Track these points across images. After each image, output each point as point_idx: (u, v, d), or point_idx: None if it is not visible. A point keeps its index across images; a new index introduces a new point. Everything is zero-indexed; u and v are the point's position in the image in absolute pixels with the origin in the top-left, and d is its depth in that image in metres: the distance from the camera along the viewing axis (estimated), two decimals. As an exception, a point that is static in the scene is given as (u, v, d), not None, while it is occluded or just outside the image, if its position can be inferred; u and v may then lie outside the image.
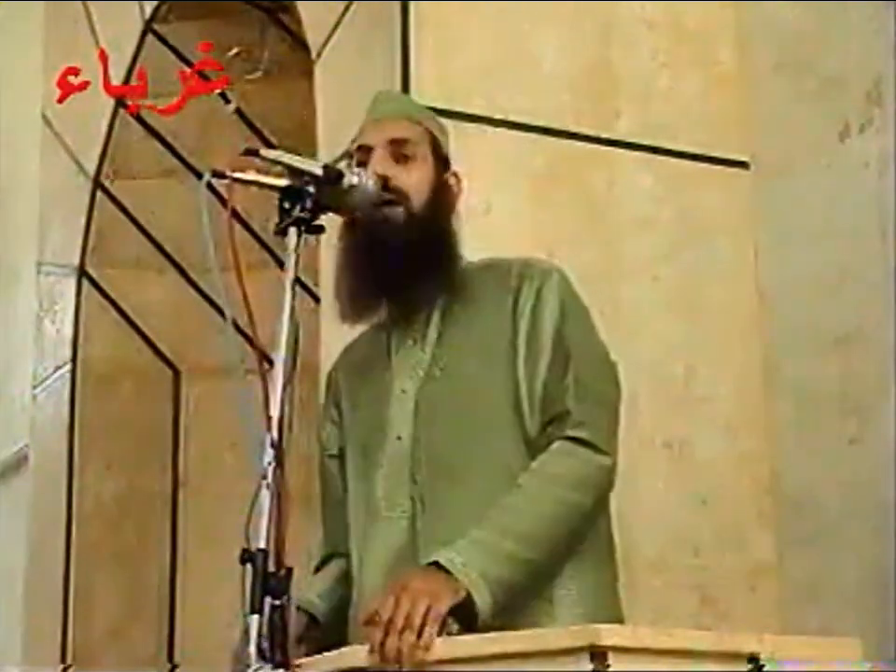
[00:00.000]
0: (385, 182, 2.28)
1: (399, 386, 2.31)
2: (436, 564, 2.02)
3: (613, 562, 2.29)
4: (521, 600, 2.09)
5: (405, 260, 2.28)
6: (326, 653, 2.04)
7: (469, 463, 2.21)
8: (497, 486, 2.17)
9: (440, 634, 1.93)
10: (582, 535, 2.19)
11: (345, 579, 2.35)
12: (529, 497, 2.14)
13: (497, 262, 2.39)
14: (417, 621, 1.92)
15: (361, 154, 2.34)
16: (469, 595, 1.99)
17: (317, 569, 2.45)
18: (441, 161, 2.38)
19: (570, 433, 2.18)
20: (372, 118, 2.40)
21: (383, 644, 1.90)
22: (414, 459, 2.24)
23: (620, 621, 2.21)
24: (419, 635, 1.90)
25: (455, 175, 2.41)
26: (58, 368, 5.11)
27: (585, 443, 2.17)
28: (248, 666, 1.86)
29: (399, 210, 2.29)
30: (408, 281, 2.30)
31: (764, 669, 1.82)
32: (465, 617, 1.99)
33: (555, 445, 2.18)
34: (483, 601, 2.00)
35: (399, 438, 2.27)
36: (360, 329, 2.49)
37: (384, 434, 2.29)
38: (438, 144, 2.39)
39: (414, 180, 2.32)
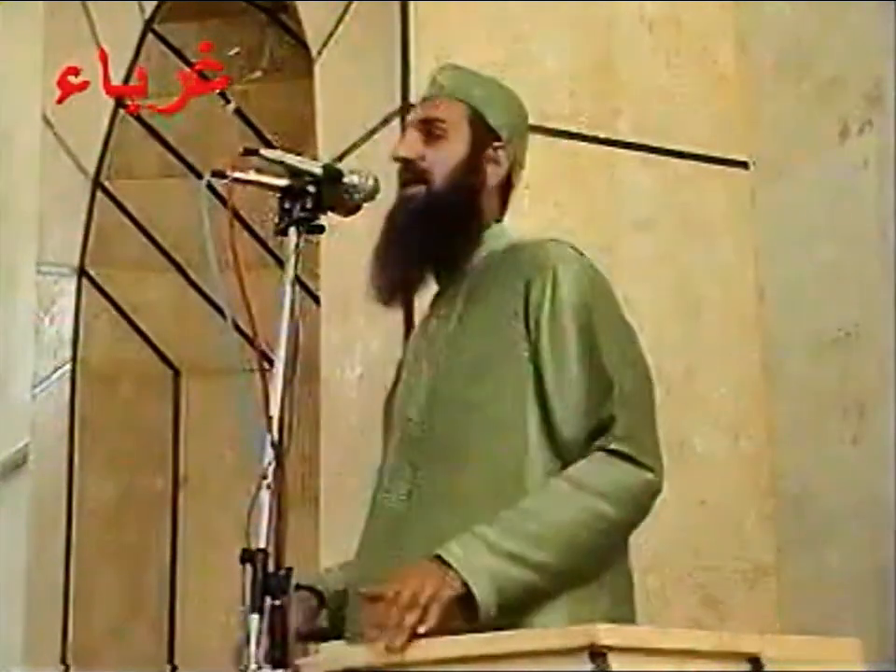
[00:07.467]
0: (404, 163, 2.30)
1: (420, 369, 2.31)
2: (438, 558, 2.02)
3: (625, 561, 2.24)
4: (534, 602, 2.07)
5: (422, 241, 2.28)
6: (325, 654, 2.04)
7: (465, 453, 2.19)
8: (491, 479, 2.15)
9: (441, 624, 1.93)
10: (618, 546, 2.16)
11: None
12: (552, 500, 2.11)
13: (521, 244, 2.35)
14: (422, 600, 1.93)
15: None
16: (468, 590, 1.99)
17: None
18: (482, 138, 2.34)
19: (614, 447, 2.12)
20: (423, 96, 2.42)
21: (384, 620, 1.91)
22: (419, 444, 2.24)
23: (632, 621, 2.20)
24: (422, 616, 1.91)
25: (503, 148, 2.36)
26: (58, 368, 5.11)
27: (629, 458, 2.12)
28: (248, 666, 1.86)
29: (421, 189, 2.30)
30: (425, 262, 2.31)
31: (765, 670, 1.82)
32: (468, 612, 1.99)
33: (595, 455, 2.12)
34: (482, 594, 1.99)
35: (409, 419, 2.27)
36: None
37: (403, 414, 2.30)
38: (480, 119, 2.35)
39: (440, 159, 2.31)
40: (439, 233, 2.29)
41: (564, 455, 2.16)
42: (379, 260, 2.34)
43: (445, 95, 2.38)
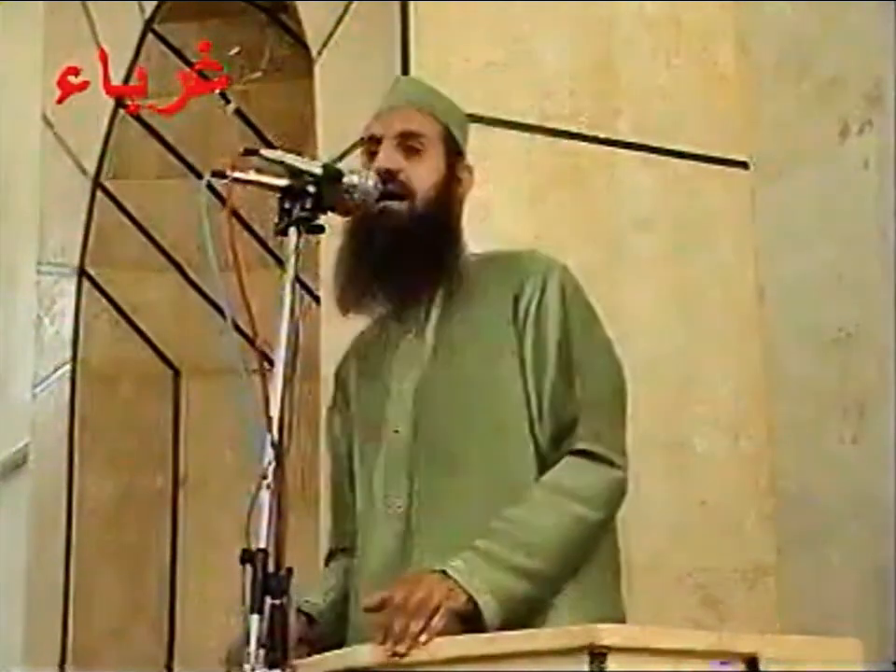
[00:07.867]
0: (389, 176, 2.29)
1: (398, 379, 2.31)
2: (443, 572, 2.03)
3: (615, 562, 2.28)
4: (531, 611, 2.09)
5: (403, 255, 2.27)
6: (326, 653, 2.04)
7: (466, 458, 2.21)
8: (494, 482, 2.18)
9: (444, 634, 1.94)
10: (594, 547, 2.20)
11: (346, 577, 2.35)
12: (539, 509, 2.14)
13: (499, 255, 2.40)
14: (429, 609, 1.95)
15: (371, 144, 2.35)
16: (475, 606, 2.01)
17: (326, 563, 2.46)
18: (453, 155, 2.37)
19: (582, 447, 2.18)
20: (387, 105, 2.40)
21: (389, 624, 1.92)
22: (411, 454, 2.24)
23: (621, 621, 2.21)
24: (427, 623, 1.93)
25: (468, 168, 2.40)
26: (58, 368, 5.11)
27: (598, 457, 2.18)
28: (247, 666, 1.86)
29: (403, 204, 2.29)
30: (405, 275, 2.29)
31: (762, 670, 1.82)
32: (472, 628, 2.00)
33: (568, 459, 2.18)
34: (489, 611, 2.01)
35: (396, 431, 2.27)
36: (358, 327, 2.49)
37: (383, 427, 2.30)
38: (451, 137, 2.37)
39: (421, 174, 2.31)
40: (425, 250, 2.29)
41: (544, 464, 2.21)
42: (351, 271, 2.33)
43: (418, 108, 2.37)
